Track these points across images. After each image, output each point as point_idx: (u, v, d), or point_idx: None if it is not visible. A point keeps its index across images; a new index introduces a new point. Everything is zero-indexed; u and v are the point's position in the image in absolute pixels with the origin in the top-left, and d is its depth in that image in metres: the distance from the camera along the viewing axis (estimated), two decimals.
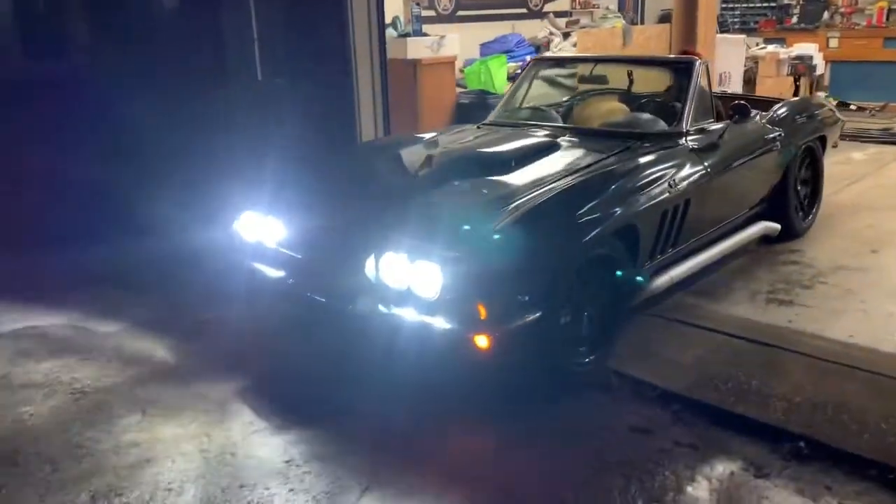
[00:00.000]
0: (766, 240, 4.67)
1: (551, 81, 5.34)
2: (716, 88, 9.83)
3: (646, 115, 4.17)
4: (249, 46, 5.34)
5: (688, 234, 3.74)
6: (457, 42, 7.18)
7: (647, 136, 3.90)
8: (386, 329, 2.93)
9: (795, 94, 5.05)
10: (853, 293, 4.01)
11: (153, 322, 3.87)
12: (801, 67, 9.57)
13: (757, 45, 10.26)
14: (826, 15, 11.39)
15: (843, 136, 5.89)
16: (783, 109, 4.75)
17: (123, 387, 3.26)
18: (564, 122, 4.47)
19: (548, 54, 5.80)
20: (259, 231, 3.46)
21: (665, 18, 10.19)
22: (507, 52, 8.42)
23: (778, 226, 4.61)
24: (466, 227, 2.96)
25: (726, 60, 9.84)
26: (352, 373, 3.25)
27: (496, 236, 2.89)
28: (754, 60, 9.74)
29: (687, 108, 3.95)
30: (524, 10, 10.54)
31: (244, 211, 3.53)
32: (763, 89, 9.68)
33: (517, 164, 3.51)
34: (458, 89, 7.55)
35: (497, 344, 2.77)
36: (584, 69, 5.00)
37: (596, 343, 3.25)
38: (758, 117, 4.50)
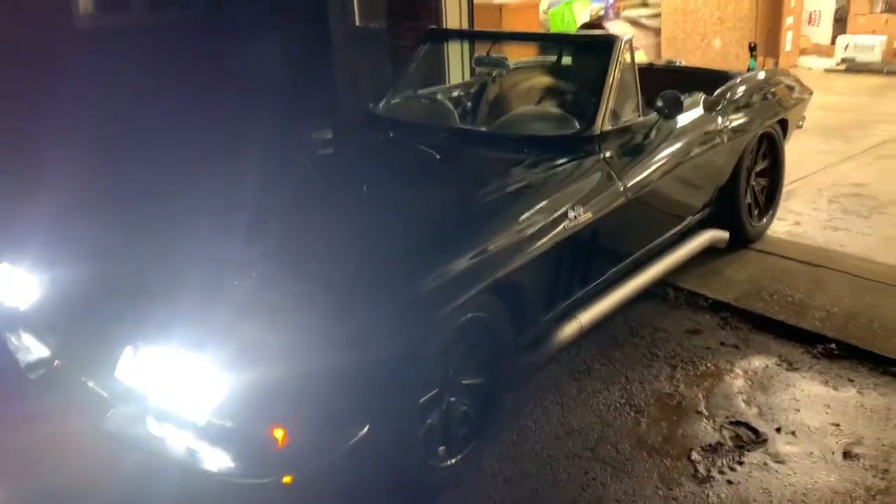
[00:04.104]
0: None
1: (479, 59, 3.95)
2: (805, 30, 9.81)
3: (555, 112, 3.36)
4: None
5: (601, 268, 3.05)
6: None
7: (549, 141, 3.11)
8: (147, 455, 2.16)
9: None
10: None
11: None
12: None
13: None
14: None
15: None
16: (733, 89, 3.85)
17: None
18: (478, 103, 3.76)
19: (444, 27, 4.88)
20: (18, 291, 2.57)
21: None
22: None
23: (726, 234, 3.85)
24: (248, 311, 2.11)
25: None
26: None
27: (294, 322, 2.06)
28: None
29: (602, 106, 3.05)
30: None
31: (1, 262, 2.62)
32: (854, 27, 9.57)
33: (356, 212, 2.70)
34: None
35: (308, 480, 2.02)
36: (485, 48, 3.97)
37: (469, 434, 2.51)
38: (700, 101, 3.61)
